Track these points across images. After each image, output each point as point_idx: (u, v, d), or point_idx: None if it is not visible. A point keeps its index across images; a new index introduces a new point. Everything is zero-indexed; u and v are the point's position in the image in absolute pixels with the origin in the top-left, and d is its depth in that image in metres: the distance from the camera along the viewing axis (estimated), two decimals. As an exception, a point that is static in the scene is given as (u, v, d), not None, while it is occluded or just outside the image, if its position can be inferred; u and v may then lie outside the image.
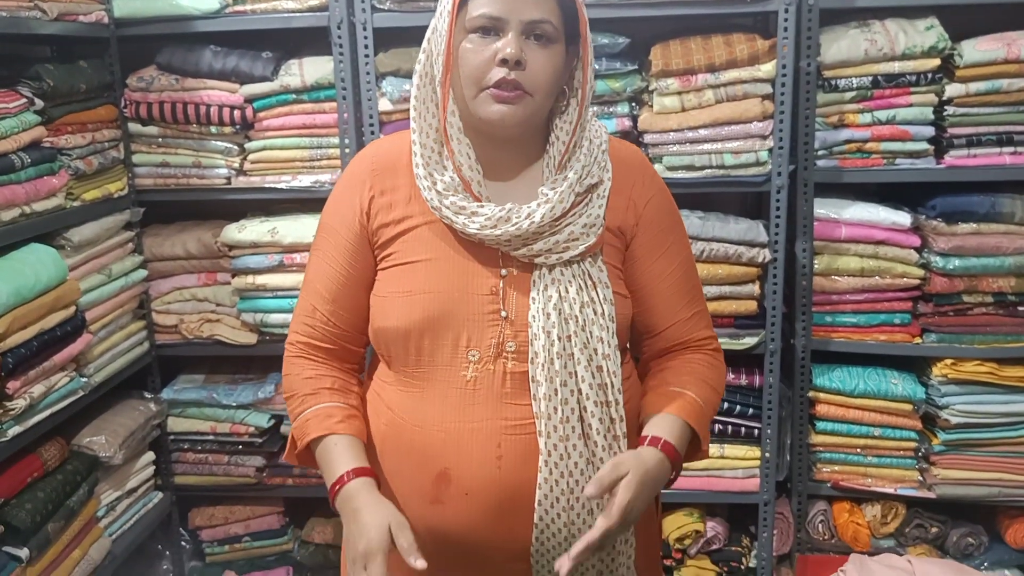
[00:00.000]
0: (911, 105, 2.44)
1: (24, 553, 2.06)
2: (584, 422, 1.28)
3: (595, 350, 1.28)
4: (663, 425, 1.30)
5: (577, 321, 1.26)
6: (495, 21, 1.21)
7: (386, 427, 1.35)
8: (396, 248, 1.32)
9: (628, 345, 1.43)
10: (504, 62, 1.21)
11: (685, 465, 2.71)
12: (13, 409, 2.01)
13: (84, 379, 2.34)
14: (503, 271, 1.29)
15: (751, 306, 2.51)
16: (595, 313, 1.28)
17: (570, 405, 1.27)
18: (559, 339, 1.26)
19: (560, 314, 1.26)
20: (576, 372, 1.27)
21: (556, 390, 1.26)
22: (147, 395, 2.71)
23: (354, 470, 1.28)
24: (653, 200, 1.37)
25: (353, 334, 1.39)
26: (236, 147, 2.60)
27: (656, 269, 1.37)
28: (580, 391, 1.27)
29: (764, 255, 2.46)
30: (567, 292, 1.27)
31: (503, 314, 1.28)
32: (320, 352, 1.39)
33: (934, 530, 2.65)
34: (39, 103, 2.18)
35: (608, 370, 1.28)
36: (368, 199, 1.33)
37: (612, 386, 1.29)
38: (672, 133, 2.43)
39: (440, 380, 1.29)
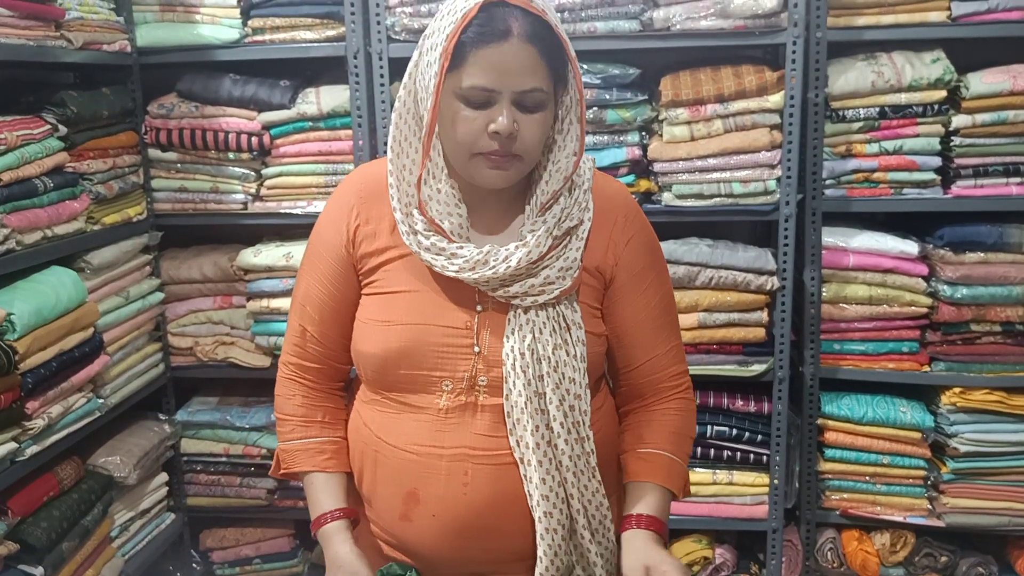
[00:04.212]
0: (918, 136, 2.47)
1: (39, 571, 2.09)
2: (556, 459, 1.32)
3: (567, 390, 1.31)
4: (648, 499, 1.36)
5: (550, 362, 1.30)
6: (488, 93, 1.21)
7: (363, 443, 1.40)
8: (378, 277, 1.35)
9: (604, 374, 1.46)
10: (497, 134, 1.22)
11: (693, 492, 2.72)
12: (32, 429, 2.05)
13: (100, 400, 2.37)
14: (478, 307, 1.32)
15: (759, 333, 2.53)
16: (567, 355, 1.31)
17: (546, 439, 1.31)
18: (533, 379, 1.30)
19: (533, 355, 1.29)
20: (548, 411, 1.30)
21: (537, 426, 1.30)
22: (162, 416, 2.74)
23: (337, 511, 1.39)
24: (634, 239, 1.38)
25: (340, 353, 1.43)
26: (253, 173, 2.65)
27: (635, 307, 1.39)
28: (552, 429, 1.31)
29: (772, 283, 2.48)
30: (540, 334, 1.30)
31: (476, 349, 1.31)
32: (310, 372, 1.44)
33: (944, 559, 2.64)
34: (62, 129, 2.24)
35: (580, 409, 1.32)
36: (354, 228, 1.36)
37: (583, 424, 1.33)
38: (681, 162, 2.46)
39: (414, 406, 1.34)
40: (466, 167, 1.27)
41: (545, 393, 1.30)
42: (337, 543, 1.35)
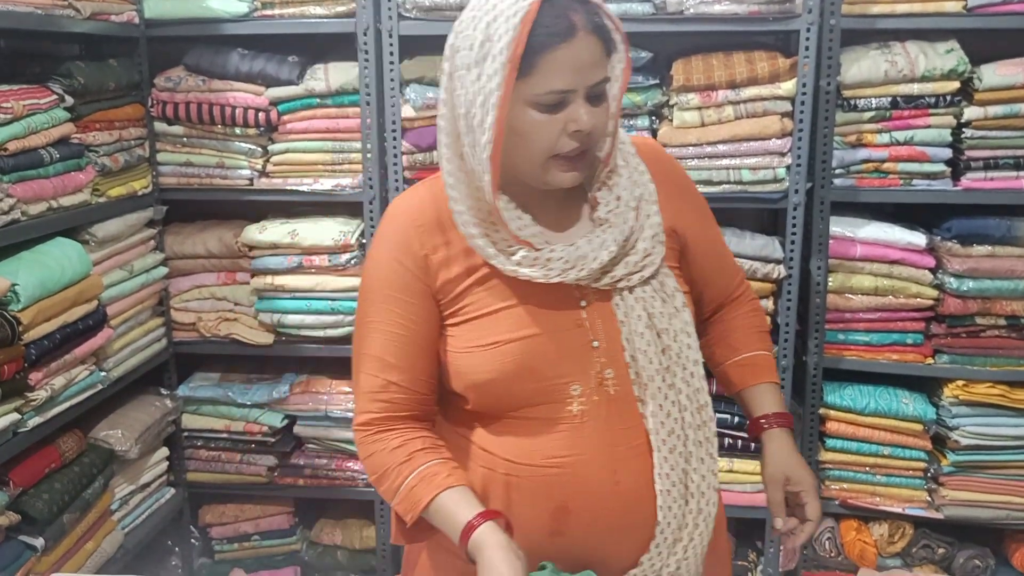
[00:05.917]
0: (929, 127, 2.45)
1: (39, 543, 2.09)
2: (683, 433, 1.29)
3: (687, 358, 1.30)
4: (768, 398, 1.44)
5: (668, 334, 1.28)
6: (563, 95, 1.17)
7: (485, 469, 1.32)
8: (467, 302, 1.29)
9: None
10: (578, 132, 1.18)
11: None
12: (35, 400, 2.05)
13: (103, 373, 2.37)
14: (582, 302, 1.28)
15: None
16: (681, 321, 1.30)
17: (673, 416, 1.28)
18: (656, 355, 1.27)
19: (653, 331, 1.27)
20: (675, 384, 1.29)
21: (660, 405, 1.27)
22: (163, 391, 2.74)
23: (480, 514, 1.22)
24: (685, 191, 1.42)
25: (429, 395, 1.34)
26: (259, 149, 2.63)
27: (711, 250, 1.44)
28: (679, 402, 1.29)
29: (779, 271, 2.47)
30: (653, 309, 1.28)
31: (595, 344, 1.27)
32: (402, 421, 1.32)
33: (941, 551, 2.65)
34: (69, 100, 2.22)
35: (698, 375, 1.31)
36: (423, 257, 1.28)
37: (703, 390, 1.32)
38: (691, 148, 2.45)
39: (544, 419, 1.27)
40: (538, 172, 1.22)
41: (669, 367, 1.28)
42: (490, 547, 1.18)
